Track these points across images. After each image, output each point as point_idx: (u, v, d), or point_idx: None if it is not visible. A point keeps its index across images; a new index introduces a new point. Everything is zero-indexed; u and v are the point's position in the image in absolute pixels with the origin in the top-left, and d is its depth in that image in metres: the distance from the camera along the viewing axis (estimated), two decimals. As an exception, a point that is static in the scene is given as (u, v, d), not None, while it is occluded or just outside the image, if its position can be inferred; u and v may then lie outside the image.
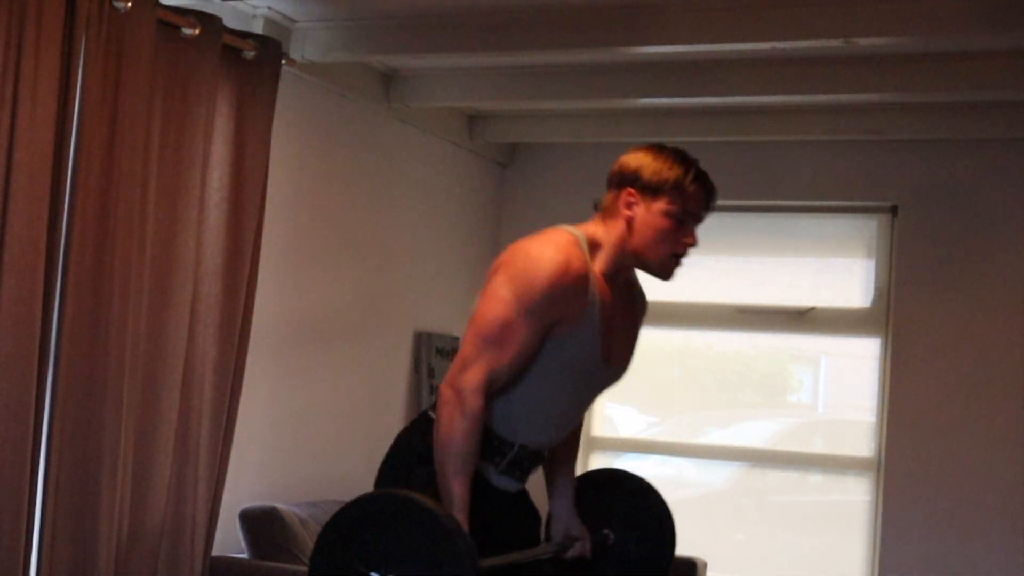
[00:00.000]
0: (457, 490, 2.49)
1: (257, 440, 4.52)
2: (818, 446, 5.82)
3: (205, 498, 3.96)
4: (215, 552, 4.10)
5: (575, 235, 2.67)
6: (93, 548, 3.55)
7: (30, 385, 3.34)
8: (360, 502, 2.47)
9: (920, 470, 5.34)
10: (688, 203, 2.73)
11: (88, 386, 3.53)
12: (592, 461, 5.87)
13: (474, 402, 2.50)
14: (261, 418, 4.53)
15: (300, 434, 4.80)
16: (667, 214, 2.69)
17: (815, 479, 5.81)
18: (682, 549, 5.17)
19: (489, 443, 2.64)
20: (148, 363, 3.75)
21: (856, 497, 5.57)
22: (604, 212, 2.75)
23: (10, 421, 3.30)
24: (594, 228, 2.73)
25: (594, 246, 2.69)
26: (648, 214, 2.69)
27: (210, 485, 3.99)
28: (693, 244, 2.75)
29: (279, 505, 4.28)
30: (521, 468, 2.72)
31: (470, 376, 2.52)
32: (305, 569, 4.07)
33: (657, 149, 2.77)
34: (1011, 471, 5.20)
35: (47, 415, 3.45)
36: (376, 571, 2.36)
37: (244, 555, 4.23)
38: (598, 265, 2.68)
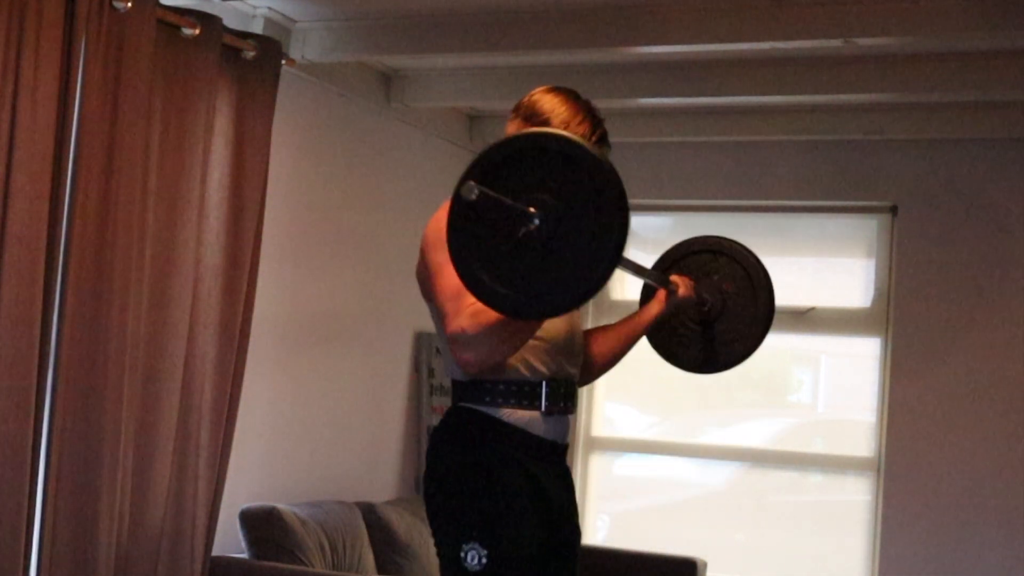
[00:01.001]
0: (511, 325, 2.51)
1: (257, 440, 4.52)
2: (818, 446, 5.82)
3: (205, 498, 3.96)
4: (215, 552, 4.11)
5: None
6: (93, 548, 3.55)
7: (30, 385, 3.34)
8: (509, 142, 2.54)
9: (920, 470, 5.34)
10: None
11: (88, 386, 3.53)
12: (592, 460, 5.88)
13: (480, 321, 2.50)
14: (261, 418, 4.53)
15: (300, 434, 4.80)
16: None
17: (815, 479, 5.81)
18: (682, 549, 5.23)
19: (522, 392, 2.66)
20: (148, 363, 3.75)
21: (856, 497, 5.57)
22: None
23: (10, 420, 3.30)
24: None
25: None
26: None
27: (210, 485, 3.99)
28: None
29: (279, 505, 4.28)
30: (561, 397, 2.73)
31: (456, 323, 2.54)
32: (305, 569, 4.08)
33: (572, 99, 2.88)
34: (1011, 471, 5.20)
35: (47, 415, 3.45)
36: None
37: (244, 555, 4.23)
38: None
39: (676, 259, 3.27)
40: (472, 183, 2.39)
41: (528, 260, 2.34)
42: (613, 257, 2.27)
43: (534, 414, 2.68)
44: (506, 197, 2.38)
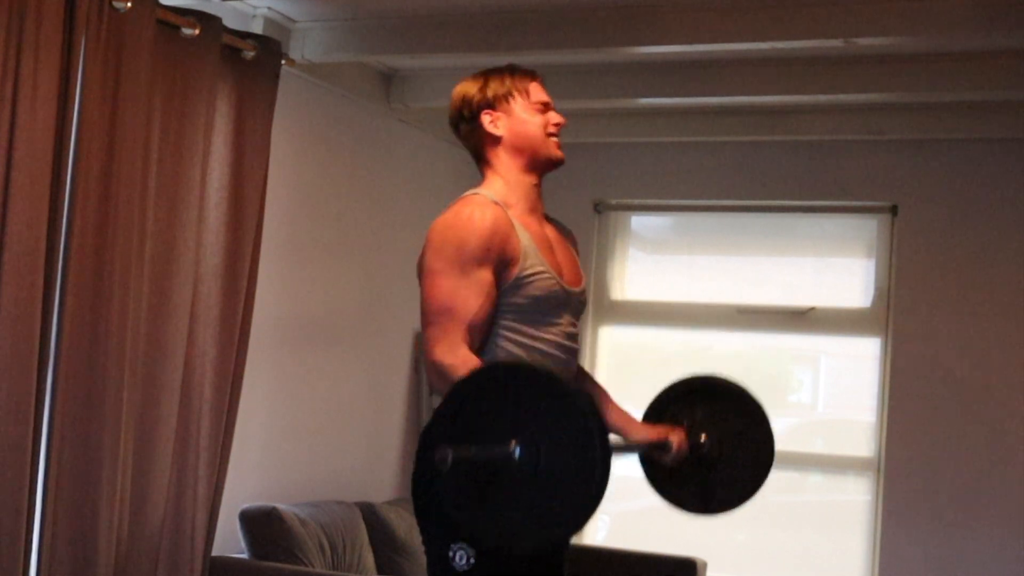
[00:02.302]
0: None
1: (257, 440, 4.52)
2: (818, 446, 5.82)
3: (205, 498, 3.96)
4: (215, 552, 4.10)
5: (481, 192, 2.71)
6: (93, 548, 3.55)
7: (30, 385, 3.34)
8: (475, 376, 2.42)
9: (920, 470, 5.34)
10: (534, 94, 2.80)
11: (88, 386, 3.53)
12: (592, 461, 5.87)
13: (464, 359, 2.50)
14: (261, 418, 4.53)
15: (300, 434, 4.80)
16: (530, 109, 2.78)
17: (815, 479, 5.81)
18: (682, 549, 5.22)
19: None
20: (148, 363, 3.75)
21: (856, 497, 5.57)
22: (479, 156, 2.81)
23: (10, 421, 3.30)
24: (488, 182, 2.78)
25: (503, 192, 2.73)
26: (515, 119, 2.77)
27: (210, 485, 3.99)
28: (563, 122, 2.84)
29: (279, 505, 4.28)
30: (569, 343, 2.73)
31: (443, 349, 2.54)
32: (305, 569, 4.08)
33: (472, 76, 2.88)
34: (1011, 471, 5.20)
35: (47, 415, 3.45)
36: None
37: (244, 555, 4.23)
38: (513, 207, 2.72)
39: (670, 402, 3.15)
40: (447, 452, 2.22)
41: (504, 489, 2.23)
42: (587, 509, 2.22)
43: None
44: (484, 434, 2.25)
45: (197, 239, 3.90)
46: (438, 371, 2.53)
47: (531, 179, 2.81)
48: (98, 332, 3.54)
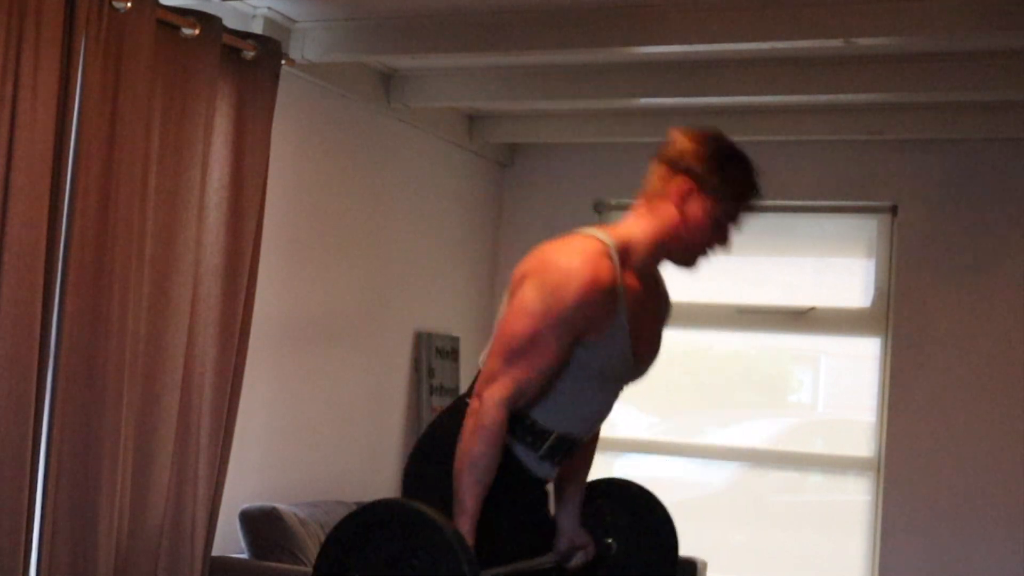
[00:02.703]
0: (468, 502, 2.49)
1: (257, 440, 4.52)
2: (818, 446, 5.82)
3: (205, 498, 3.96)
4: (215, 552, 4.10)
5: (605, 243, 2.58)
6: (93, 548, 3.55)
7: (30, 385, 3.34)
8: (367, 509, 2.47)
9: (920, 470, 5.34)
10: (739, 209, 2.71)
11: (88, 386, 3.53)
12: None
13: (496, 415, 2.50)
14: (261, 418, 4.53)
15: (300, 434, 4.80)
16: (719, 218, 2.66)
17: (815, 479, 5.81)
18: (682, 549, 5.21)
19: (531, 431, 2.63)
20: (148, 363, 3.75)
21: (856, 497, 5.57)
22: (650, 196, 2.66)
23: (10, 421, 3.30)
24: (629, 227, 2.65)
25: (626, 245, 2.62)
26: (701, 213, 2.63)
27: (210, 485, 3.99)
28: (722, 250, 2.74)
29: (279, 505, 4.29)
30: (560, 453, 2.69)
31: (494, 390, 2.50)
32: (305, 569, 4.08)
33: (728, 150, 2.67)
34: (1011, 471, 5.20)
35: (47, 415, 3.45)
36: None
37: (244, 555, 4.23)
38: (631, 262, 2.62)
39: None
40: None
41: None
42: None
43: (531, 451, 2.66)
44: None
45: (197, 239, 3.90)
46: (484, 409, 2.51)
47: (660, 256, 2.70)
48: (98, 332, 3.54)
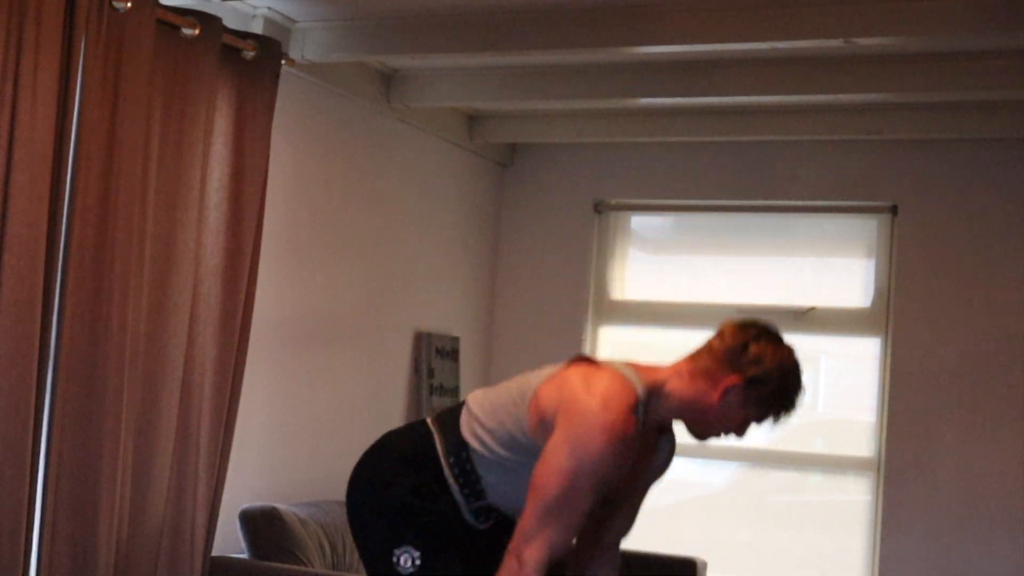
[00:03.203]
0: None
1: (257, 440, 4.52)
2: (818, 446, 5.82)
3: (205, 498, 3.96)
4: (215, 552, 4.10)
5: (636, 394, 2.62)
6: (93, 548, 3.55)
7: (30, 385, 3.34)
8: None
9: (920, 470, 5.34)
10: (774, 416, 2.77)
11: (88, 386, 3.53)
12: (592, 461, 5.87)
13: None
14: (261, 418, 4.53)
15: (300, 434, 4.80)
16: (749, 418, 2.72)
17: (815, 479, 5.81)
18: (682, 549, 5.22)
19: (474, 485, 2.69)
20: (148, 363, 3.75)
21: (856, 497, 5.57)
22: (696, 367, 2.71)
23: (10, 421, 3.30)
24: (667, 378, 2.70)
25: (655, 394, 2.68)
26: (738, 408, 2.69)
27: (210, 485, 3.99)
28: (734, 435, 2.77)
29: (279, 505, 4.28)
30: (487, 517, 2.75)
31: (532, 552, 2.52)
32: (305, 569, 4.08)
33: (792, 362, 2.78)
34: (1011, 471, 5.20)
35: (47, 415, 3.45)
36: None
37: (244, 555, 4.23)
38: (651, 413, 2.67)
39: None
40: None
41: None
42: None
43: (464, 501, 2.71)
44: None
45: (197, 239, 3.90)
46: (518, 561, 2.52)
47: (677, 417, 2.75)
48: (98, 332, 3.54)
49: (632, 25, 4.21)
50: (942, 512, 5.28)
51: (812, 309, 5.67)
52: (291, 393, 4.73)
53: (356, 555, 4.44)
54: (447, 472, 2.69)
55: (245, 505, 4.29)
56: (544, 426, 2.61)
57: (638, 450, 2.69)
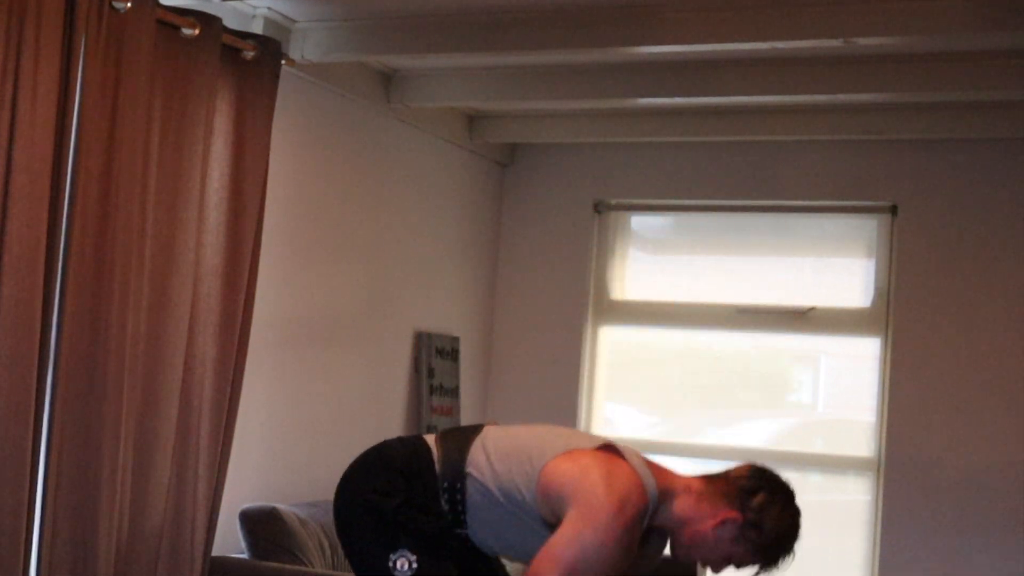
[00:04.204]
0: None
1: (257, 440, 4.52)
2: (818, 446, 5.82)
3: (205, 498, 3.96)
4: (215, 552, 4.10)
5: (648, 500, 2.69)
6: (93, 548, 3.55)
7: (30, 385, 3.34)
8: None
9: (920, 470, 5.33)
10: (751, 565, 2.80)
11: (88, 386, 3.53)
12: (592, 461, 5.86)
13: None
14: (261, 418, 4.53)
15: (300, 434, 4.80)
16: (732, 559, 2.77)
17: (815, 479, 5.81)
18: (682, 549, 5.22)
19: (456, 512, 2.72)
20: (148, 363, 3.75)
21: (856, 497, 5.56)
22: (707, 489, 2.78)
23: (10, 421, 3.30)
24: (678, 491, 2.77)
25: (663, 502, 2.74)
26: (728, 543, 2.74)
27: (210, 485, 3.99)
28: (715, 572, 2.82)
29: (279, 505, 4.28)
30: (459, 537, 2.79)
31: None
32: (305, 569, 4.08)
33: (795, 521, 2.86)
34: (1011, 471, 5.20)
35: (47, 415, 3.44)
36: None
37: (244, 555, 4.23)
38: (655, 516, 2.73)
39: None
40: None
41: None
42: None
43: (441, 509, 2.73)
44: None
45: (197, 239, 3.90)
46: None
47: (670, 529, 2.79)
48: (98, 332, 3.54)
49: (632, 25, 4.21)
50: (942, 512, 5.28)
51: (812, 309, 5.67)
52: (291, 393, 4.73)
53: (356, 555, 4.44)
54: (440, 497, 2.72)
55: (245, 505, 4.29)
56: (550, 501, 2.65)
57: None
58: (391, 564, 2.63)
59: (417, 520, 2.69)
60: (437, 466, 2.73)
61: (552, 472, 2.67)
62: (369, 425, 5.20)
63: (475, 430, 2.82)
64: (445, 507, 2.71)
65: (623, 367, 6.03)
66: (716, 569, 2.80)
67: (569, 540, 2.58)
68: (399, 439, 2.91)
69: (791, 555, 2.82)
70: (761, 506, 2.73)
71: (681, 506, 2.73)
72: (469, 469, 2.71)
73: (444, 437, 2.81)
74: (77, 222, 3.46)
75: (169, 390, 3.81)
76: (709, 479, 2.79)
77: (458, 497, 2.71)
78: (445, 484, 2.71)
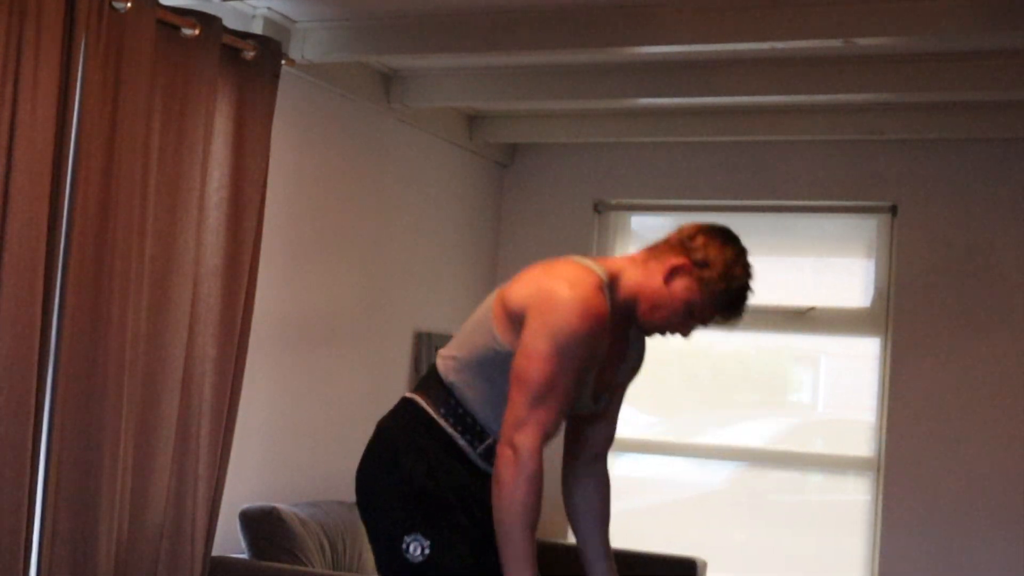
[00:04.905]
0: (528, 549, 2.52)
1: (257, 440, 4.52)
2: (818, 446, 5.82)
3: (205, 498, 3.96)
4: (215, 552, 4.10)
5: (599, 276, 2.68)
6: (93, 548, 3.55)
7: (30, 385, 3.34)
8: None
9: (920, 470, 5.34)
10: (714, 314, 2.78)
11: (88, 386, 3.53)
12: (592, 461, 5.87)
13: (534, 464, 2.53)
14: (261, 418, 4.53)
15: (300, 434, 4.80)
16: (693, 309, 2.74)
17: (815, 479, 5.81)
18: (682, 549, 5.22)
19: (471, 427, 2.71)
20: (148, 363, 3.75)
21: (856, 497, 5.57)
22: (651, 254, 2.77)
23: (10, 421, 3.30)
24: (623, 266, 2.76)
25: (614, 281, 2.73)
26: (682, 291, 2.72)
27: (210, 485, 3.99)
28: (684, 336, 2.82)
29: (279, 505, 4.28)
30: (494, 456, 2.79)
31: (525, 437, 2.53)
32: (305, 569, 4.08)
33: (740, 255, 2.81)
34: (1011, 471, 5.20)
35: (47, 415, 3.45)
36: None
37: (244, 555, 4.23)
38: (615, 299, 2.72)
39: None
40: None
41: None
42: None
43: (470, 447, 2.72)
44: None
45: (197, 239, 3.90)
46: (512, 449, 2.54)
47: (631, 308, 2.77)
48: (98, 332, 3.54)
49: (632, 25, 4.21)
50: (942, 512, 5.28)
51: (812, 309, 5.67)
52: (291, 393, 4.73)
53: (356, 555, 4.44)
54: (444, 425, 2.71)
55: (245, 505, 4.29)
56: (513, 321, 2.65)
57: (612, 341, 2.72)
58: (404, 547, 2.63)
59: (443, 494, 2.66)
60: (429, 408, 2.73)
61: (502, 302, 2.69)
62: (369, 425, 5.17)
63: (431, 366, 2.84)
64: (457, 432, 2.70)
65: (623, 367, 6.02)
66: (685, 332, 2.79)
67: (538, 333, 2.57)
68: (390, 415, 2.86)
69: (750, 289, 2.81)
70: (703, 244, 2.74)
71: (631, 275, 2.73)
72: (448, 380, 2.71)
73: (417, 387, 2.82)
74: (77, 222, 3.46)
75: (169, 390, 3.81)
76: (650, 247, 2.80)
77: (460, 411, 2.71)
78: (443, 411, 2.72)
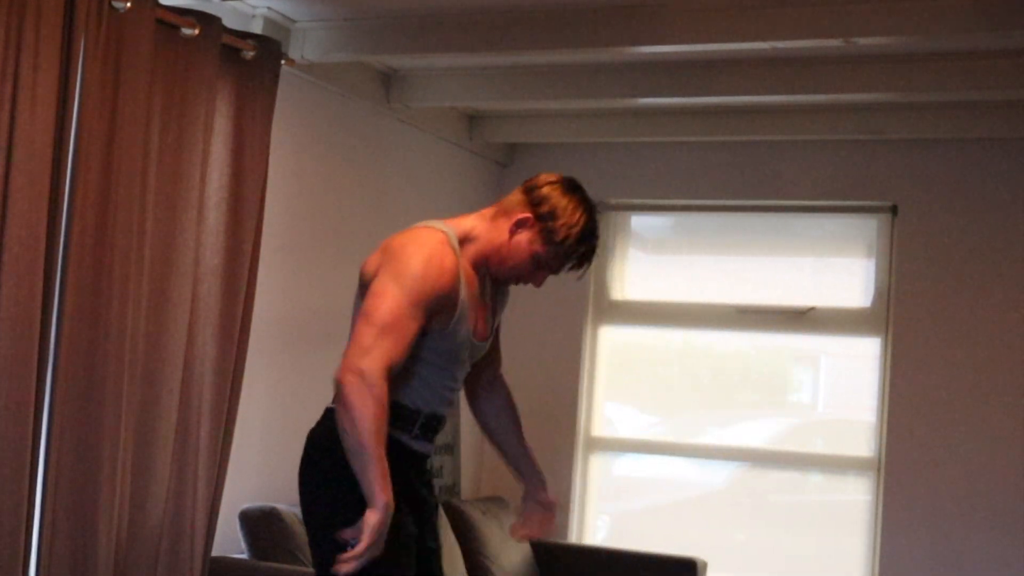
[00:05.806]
0: (379, 451, 2.62)
1: (257, 440, 4.52)
2: (818, 446, 5.82)
3: (205, 498, 3.96)
4: (215, 552, 4.10)
5: (446, 233, 2.83)
6: (93, 548, 3.55)
7: (30, 385, 3.34)
8: None
9: (920, 470, 5.34)
10: (562, 263, 2.89)
11: (88, 386, 3.53)
12: (592, 461, 5.88)
13: (382, 382, 2.64)
14: (261, 418, 4.53)
15: (300, 434, 4.77)
16: (539, 260, 2.86)
17: (815, 479, 5.81)
18: (682, 549, 5.22)
19: (400, 414, 2.81)
20: (148, 363, 3.75)
21: (856, 497, 5.57)
22: (500, 208, 2.90)
23: (10, 421, 3.30)
24: (473, 223, 2.90)
25: (466, 239, 2.87)
26: (527, 244, 2.85)
27: (210, 485, 3.99)
28: (537, 286, 2.95)
29: (279, 505, 4.28)
30: (431, 430, 2.91)
31: (371, 362, 2.64)
32: (305, 569, 4.08)
33: (582, 204, 2.88)
34: (1011, 471, 5.20)
35: (47, 415, 3.45)
36: None
37: (244, 555, 4.23)
38: (467, 257, 2.85)
39: None
40: None
41: None
42: None
43: (405, 434, 2.85)
44: None
45: (197, 239, 3.90)
46: (357, 374, 2.65)
47: (481, 262, 2.91)
48: (98, 332, 3.54)
49: (632, 25, 4.21)
50: (942, 512, 5.28)
51: (812, 309, 5.67)
52: (291, 393, 4.73)
53: (356, 555, 4.44)
54: None
55: (245, 505, 4.29)
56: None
57: (480, 292, 2.87)
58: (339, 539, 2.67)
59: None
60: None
61: (362, 275, 2.82)
62: (369, 425, 5.19)
63: None
64: (391, 426, 2.76)
65: (623, 367, 6.03)
66: (537, 282, 2.92)
67: (383, 278, 2.71)
68: (316, 425, 3.07)
69: (594, 237, 2.87)
70: (546, 195, 2.84)
71: (480, 231, 2.86)
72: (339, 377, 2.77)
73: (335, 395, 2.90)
74: (77, 222, 3.47)
75: (169, 390, 3.81)
76: (501, 201, 2.92)
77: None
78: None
